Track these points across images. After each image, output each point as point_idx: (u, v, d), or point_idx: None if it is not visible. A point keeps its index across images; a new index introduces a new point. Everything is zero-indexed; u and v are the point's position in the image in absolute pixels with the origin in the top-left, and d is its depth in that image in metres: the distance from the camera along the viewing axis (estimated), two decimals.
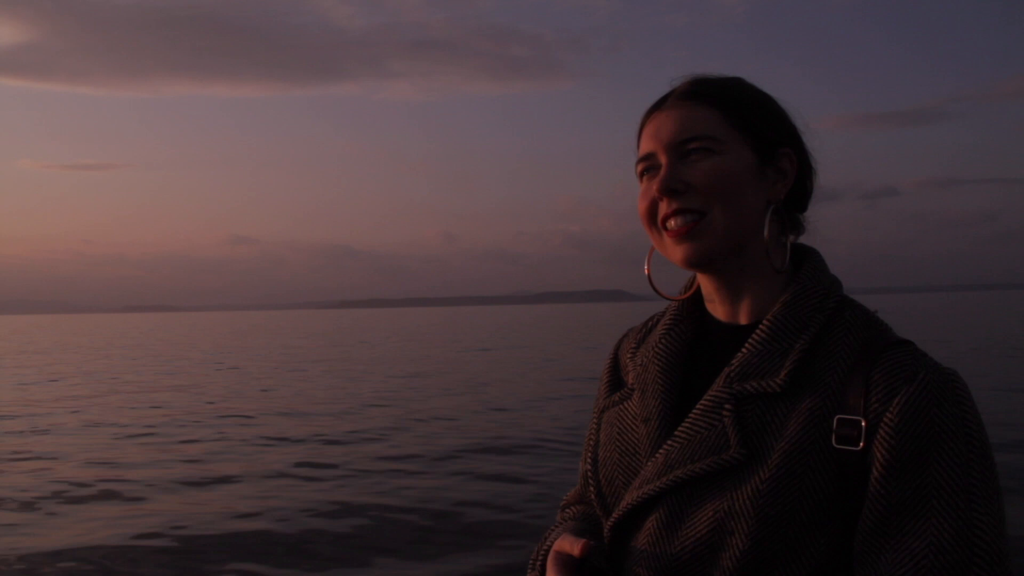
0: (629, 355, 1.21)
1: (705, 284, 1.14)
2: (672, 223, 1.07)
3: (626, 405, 1.15)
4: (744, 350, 1.05)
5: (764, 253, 1.08)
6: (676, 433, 1.05)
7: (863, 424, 0.95)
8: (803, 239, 1.15)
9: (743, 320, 1.10)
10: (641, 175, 1.12)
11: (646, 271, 1.15)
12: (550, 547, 1.13)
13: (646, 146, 1.11)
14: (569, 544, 1.05)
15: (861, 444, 0.95)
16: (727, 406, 1.02)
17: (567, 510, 1.30)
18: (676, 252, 1.07)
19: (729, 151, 1.06)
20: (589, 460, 1.18)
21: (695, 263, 1.07)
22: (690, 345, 1.15)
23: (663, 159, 1.08)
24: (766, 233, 1.07)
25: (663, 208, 1.07)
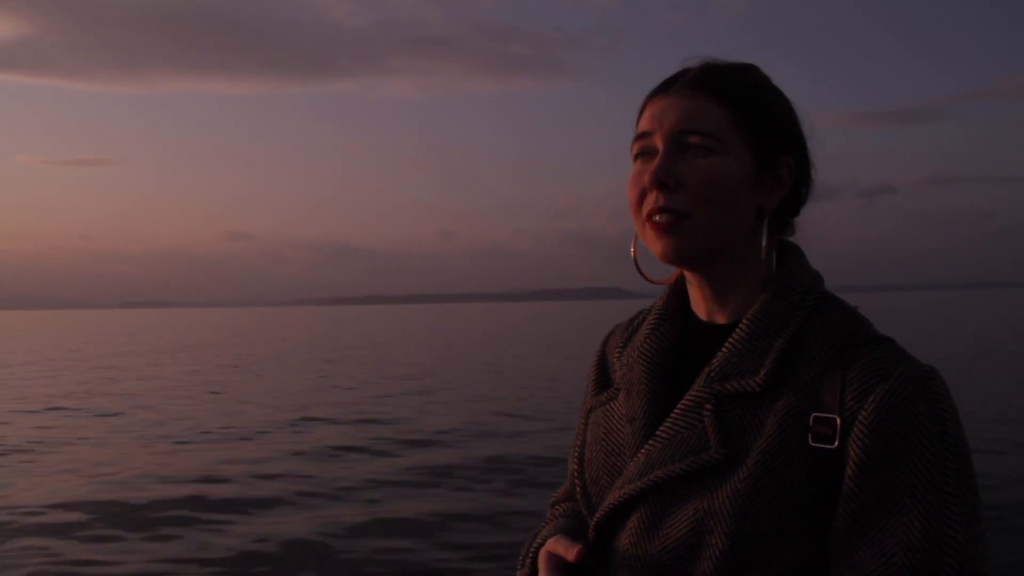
0: (616, 354, 1.20)
1: (689, 282, 1.13)
2: (657, 218, 1.04)
3: (612, 405, 1.14)
4: (724, 350, 1.04)
5: (748, 257, 1.07)
6: (657, 433, 1.04)
7: (838, 422, 0.94)
8: (798, 235, 1.13)
9: (726, 319, 1.09)
10: (636, 156, 1.08)
11: (632, 253, 1.12)
12: (540, 544, 1.13)
13: (646, 125, 1.07)
14: (563, 548, 1.05)
15: (836, 442, 0.94)
16: (707, 406, 1.01)
17: (557, 507, 1.30)
18: (656, 245, 1.05)
19: (729, 153, 1.03)
20: (576, 459, 1.17)
21: (674, 259, 1.05)
22: (676, 344, 1.14)
23: (660, 146, 1.05)
24: (764, 243, 1.05)
25: (650, 200, 1.05)
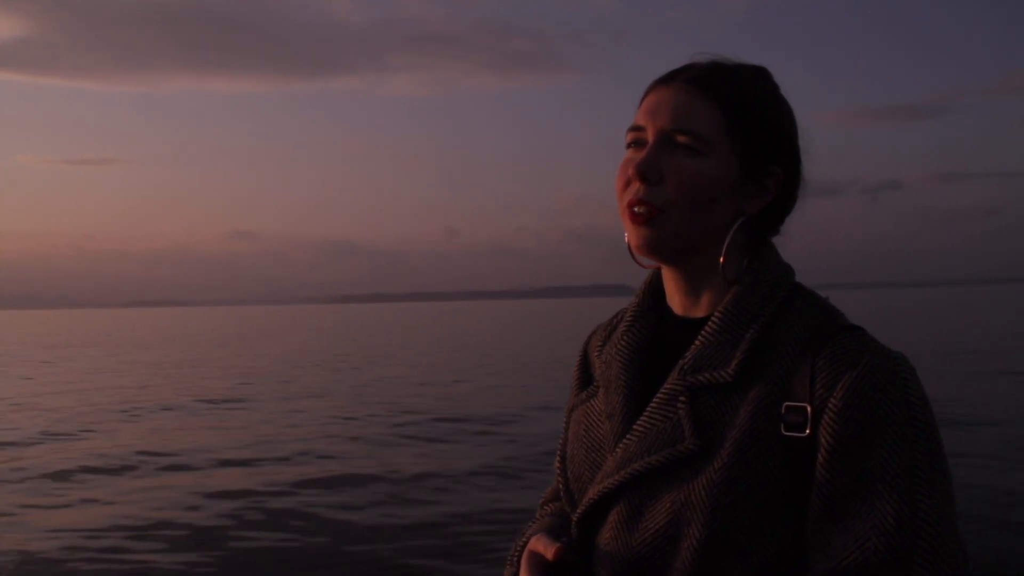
0: (596, 352, 1.21)
1: (666, 278, 1.14)
2: (636, 209, 1.05)
3: (592, 402, 1.16)
4: (697, 343, 1.05)
5: (720, 256, 1.07)
6: (634, 427, 1.06)
7: (809, 410, 0.96)
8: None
9: (699, 313, 1.10)
10: (628, 144, 1.10)
11: (626, 238, 1.12)
12: (525, 543, 1.14)
13: (640, 118, 1.09)
14: (543, 546, 1.07)
15: (808, 430, 0.95)
16: (682, 398, 1.02)
17: (545, 507, 1.30)
18: (631, 235, 1.07)
19: (716, 156, 1.04)
20: (559, 458, 1.19)
21: (646, 251, 1.07)
22: (652, 340, 1.15)
23: (650, 139, 1.06)
24: (726, 243, 1.06)
25: (632, 190, 1.06)
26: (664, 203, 1.04)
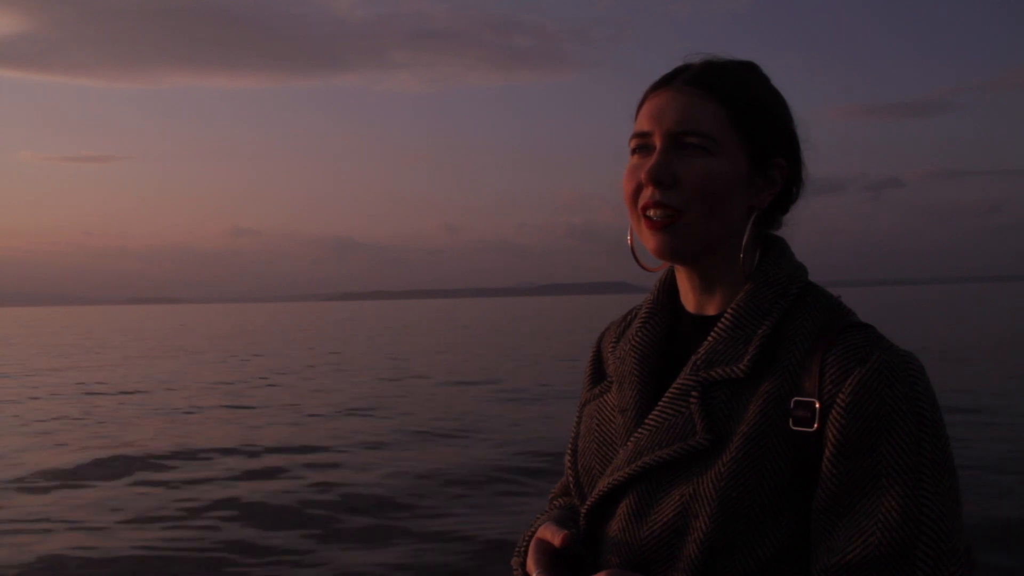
0: (610, 348, 1.22)
1: (679, 276, 1.16)
2: (651, 213, 1.07)
3: (606, 397, 1.17)
4: (710, 339, 1.07)
5: (737, 252, 1.09)
6: (646, 421, 1.07)
7: (817, 406, 0.97)
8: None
9: (712, 311, 1.12)
10: (634, 150, 1.11)
11: (628, 242, 1.14)
12: (534, 534, 1.15)
13: (644, 123, 1.09)
14: (551, 533, 1.08)
15: (816, 425, 0.97)
16: (694, 393, 1.04)
17: (555, 501, 1.32)
18: (650, 241, 1.08)
19: (725, 154, 1.06)
20: (570, 452, 1.20)
21: (667, 256, 1.08)
22: (666, 336, 1.16)
23: (658, 143, 1.07)
24: (745, 240, 1.08)
25: (646, 195, 1.07)
26: (681, 204, 1.05)
